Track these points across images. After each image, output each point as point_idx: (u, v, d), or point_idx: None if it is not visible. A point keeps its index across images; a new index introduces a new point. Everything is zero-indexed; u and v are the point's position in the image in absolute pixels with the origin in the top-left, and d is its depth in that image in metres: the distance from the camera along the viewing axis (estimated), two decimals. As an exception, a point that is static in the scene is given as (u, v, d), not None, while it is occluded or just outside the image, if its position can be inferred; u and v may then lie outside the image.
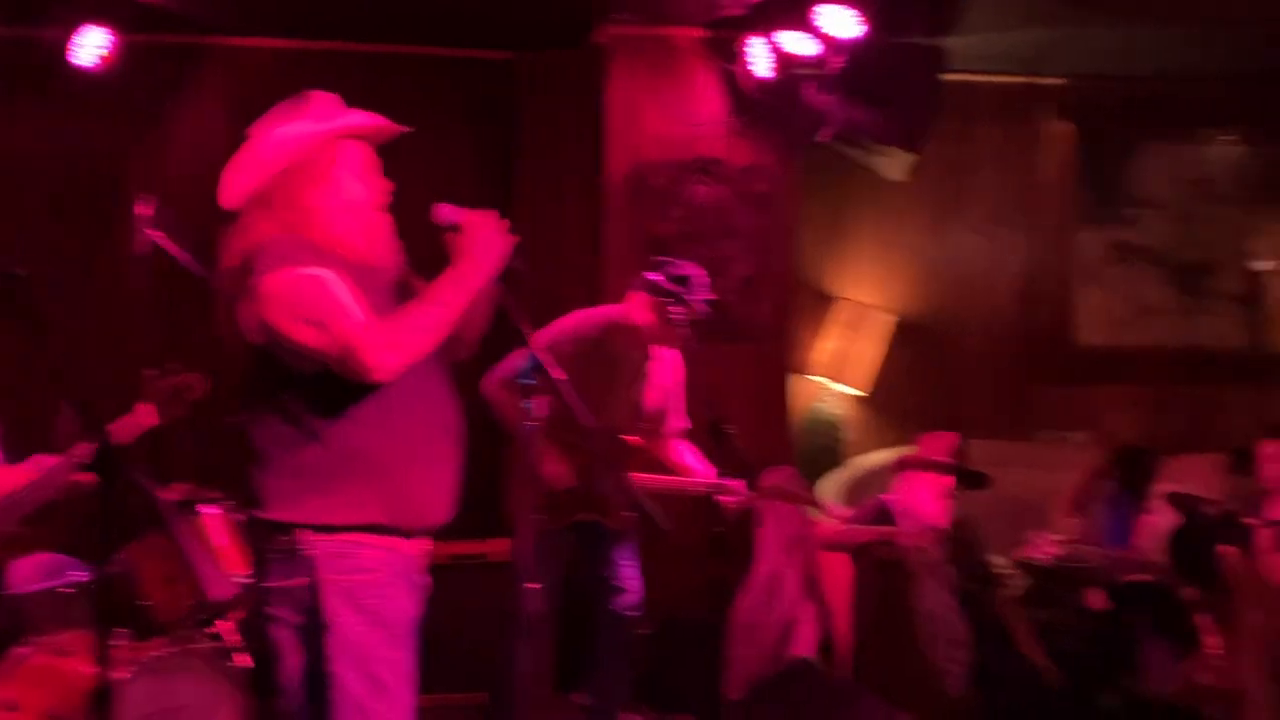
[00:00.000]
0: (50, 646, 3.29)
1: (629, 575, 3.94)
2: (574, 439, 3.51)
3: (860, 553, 4.14)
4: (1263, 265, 5.20)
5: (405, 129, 2.41)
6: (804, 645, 4.42)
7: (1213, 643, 3.70)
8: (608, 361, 3.78)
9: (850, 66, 4.29)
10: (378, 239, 2.36)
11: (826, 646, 4.45)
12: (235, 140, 5.38)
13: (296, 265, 2.20)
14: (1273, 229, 5.95)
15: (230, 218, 2.37)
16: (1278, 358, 5.44)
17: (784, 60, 4.47)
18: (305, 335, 2.17)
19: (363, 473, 2.24)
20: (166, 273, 4.45)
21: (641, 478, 3.78)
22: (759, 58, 4.53)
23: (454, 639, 3.79)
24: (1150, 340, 5.86)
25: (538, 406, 2.47)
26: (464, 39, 5.03)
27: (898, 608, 4.00)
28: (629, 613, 3.93)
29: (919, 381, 5.57)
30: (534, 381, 2.54)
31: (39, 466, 2.31)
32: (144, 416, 2.79)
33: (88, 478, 2.28)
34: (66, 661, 3.25)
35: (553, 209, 5.03)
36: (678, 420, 4.00)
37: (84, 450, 2.29)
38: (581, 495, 3.68)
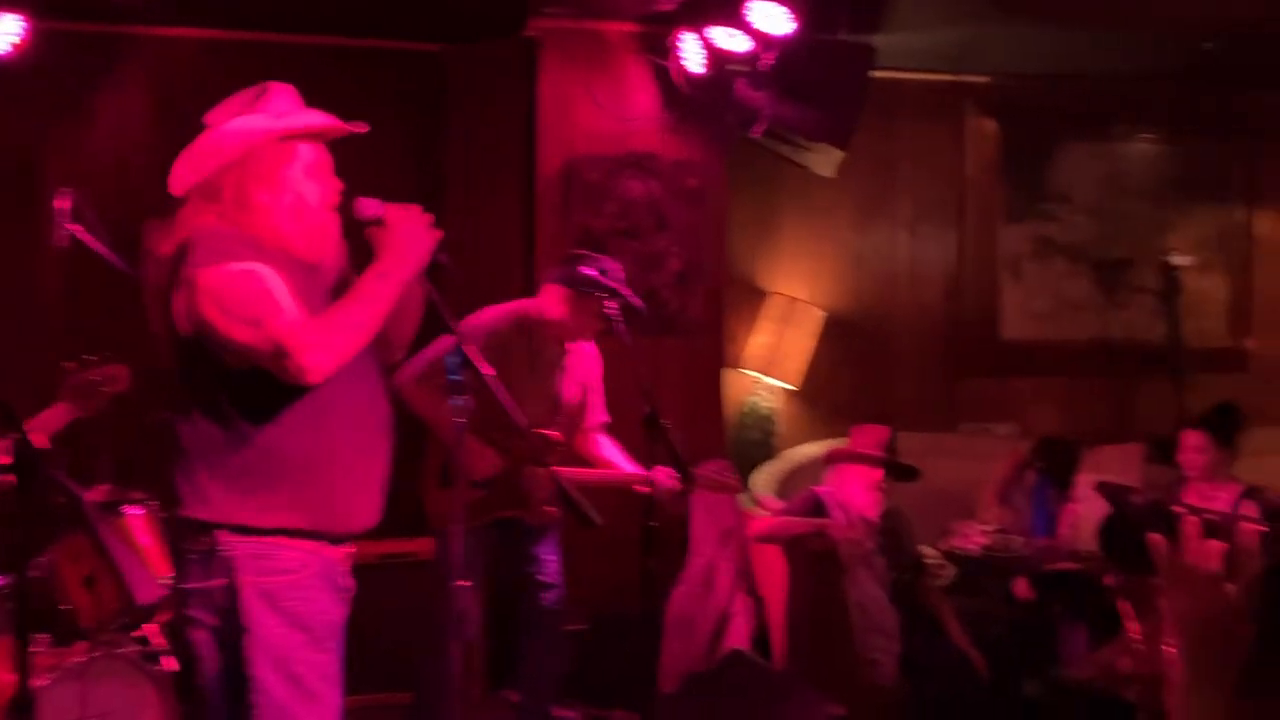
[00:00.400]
0: (-34, 653, 3.19)
1: (553, 571, 3.91)
2: (494, 435, 3.47)
3: (793, 545, 4.17)
4: (1179, 260, 5.35)
5: (360, 128, 2.37)
6: (737, 637, 4.46)
7: (1133, 628, 3.80)
8: (523, 356, 3.75)
9: (781, 63, 4.31)
10: (325, 238, 2.33)
11: (761, 638, 4.50)
12: (159, 132, 5.28)
13: (234, 260, 2.16)
14: (1188, 225, 6.13)
15: (168, 206, 2.33)
16: (1193, 350, 5.60)
17: (715, 56, 4.48)
18: (238, 332, 2.13)
19: (289, 476, 2.20)
20: (86, 266, 4.36)
21: (563, 472, 3.71)
22: (691, 53, 4.54)
23: (379, 638, 3.76)
24: (1072, 334, 6.00)
25: (466, 403, 2.45)
26: (393, 31, 4.97)
27: (829, 599, 4.04)
28: (554, 608, 3.90)
29: (849, 375, 5.64)
30: (460, 378, 2.52)
31: None
32: (62, 412, 2.71)
33: (4, 479, 2.21)
34: (-17, 668, 3.16)
35: (484, 203, 4.99)
36: (597, 414, 3.96)
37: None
38: (503, 491, 3.64)
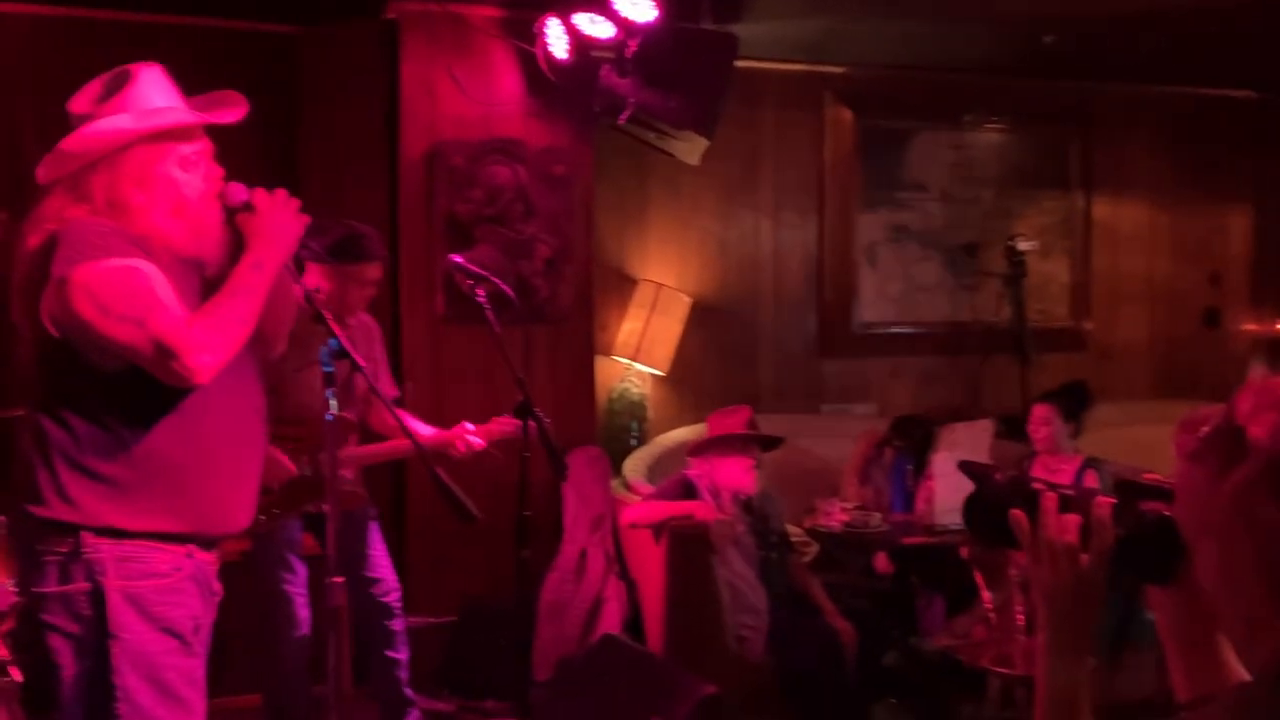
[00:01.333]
0: None
1: (380, 563, 3.84)
2: (284, 429, 3.33)
3: (663, 528, 4.23)
4: (1024, 245, 5.60)
5: (234, 119, 2.27)
6: (610, 622, 4.50)
7: (986, 598, 3.98)
8: (295, 341, 3.65)
9: (645, 50, 4.34)
10: (207, 231, 2.24)
11: (634, 622, 4.55)
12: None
13: (113, 255, 2.06)
14: (1032, 211, 6.42)
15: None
16: (1037, 331, 5.88)
17: (580, 42, 4.48)
18: (119, 331, 2.04)
19: (163, 479, 2.12)
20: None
21: (361, 450, 3.68)
22: (556, 39, 4.53)
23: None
24: (925, 316, 6.22)
25: (338, 395, 2.40)
26: (247, 10, 4.81)
27: (700, 580, 4.11)
28: (384, 601, 3.83)
29: (715, 360, 5.73)
30: (333, 369, 2.47)
31: None
32: None
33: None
34: None
35: (346, 189, 4.87)
36: (388, 387, 3.87)
37: None
38: (307, 483, 3.55)
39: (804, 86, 5.91)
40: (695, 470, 4.30)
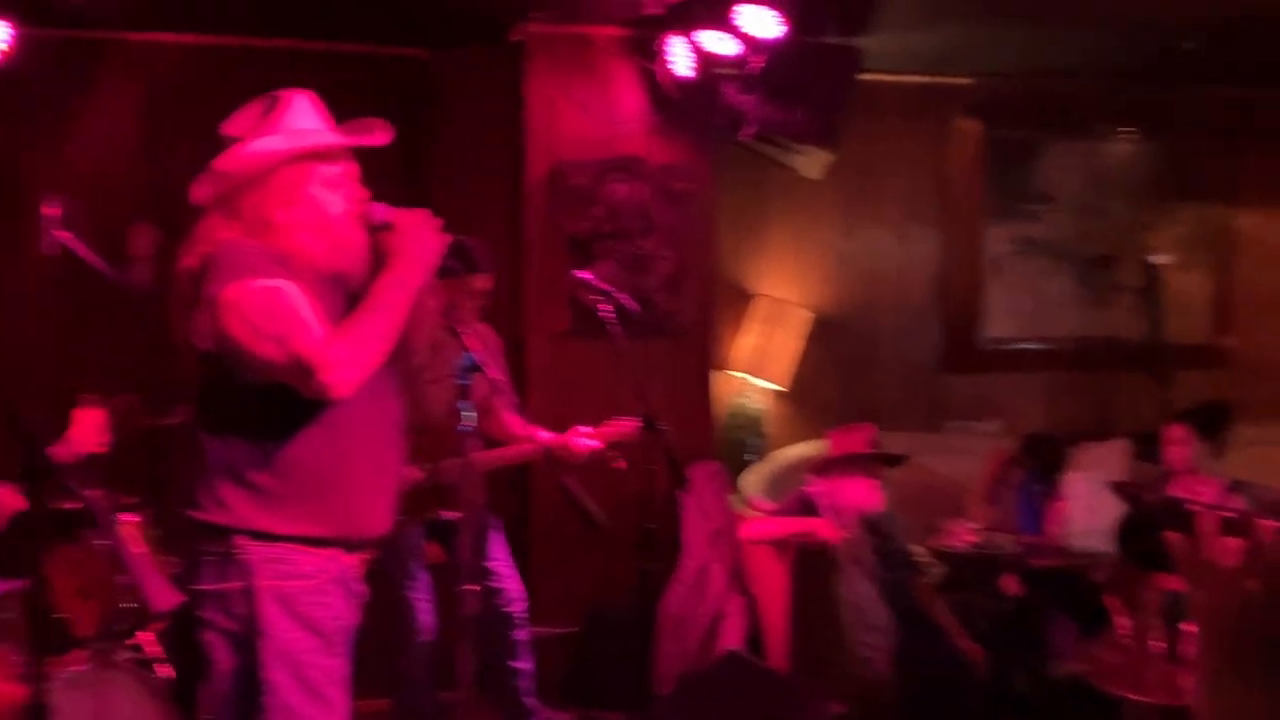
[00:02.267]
0: (-38, 664, 3.18)
1: (503, 573, 3.89)
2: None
3: (785, 545, 4.20)
4: (1160, 258, 5.41)
5: (379, 142, 2.36)
6: (732, 637, 4.48)
7: (1121, 623, 3.85)
8: (431, 353, 3.69)
9: (769, 66, 4.34)
10: (350, 250, 2.32)
11: (754, 639, 4.52)
12: (144, 137, 5.26)
13: (259, 275, 2.16)
14: (1169, 223, 6.20)
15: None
16: (1174, 347, 5.67)
17: (703, 59, 4.50)
18: (264, 348, 2.13)
19: (308, 486, 2.21)
20: (73, 273, 4.34)
21: (483, 456, 3.72)
22: (679, 57, 4.56)
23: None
24: (1054, 331, 6.06)
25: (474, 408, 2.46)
26: (380, 35, 4.97)
27: (822, 597, 4.07)
28: (509, 609, 3.88)
29: (835, 375, 5.67)
30: (469, 381, 2.53)
31: None
32: (78, 443, 2.69)
33: (17, 499, 2.22)
34: (-20, 678, 3.15)
35: (472, 208, 4.98)
36: (510, 396, 3.93)
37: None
38: (429, 491, 3.61)
39: (928, 98, 5.83)
40: (816, 488, 4.26)
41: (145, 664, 3.61)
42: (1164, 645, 3.53)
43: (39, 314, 4.76)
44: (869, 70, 4.73)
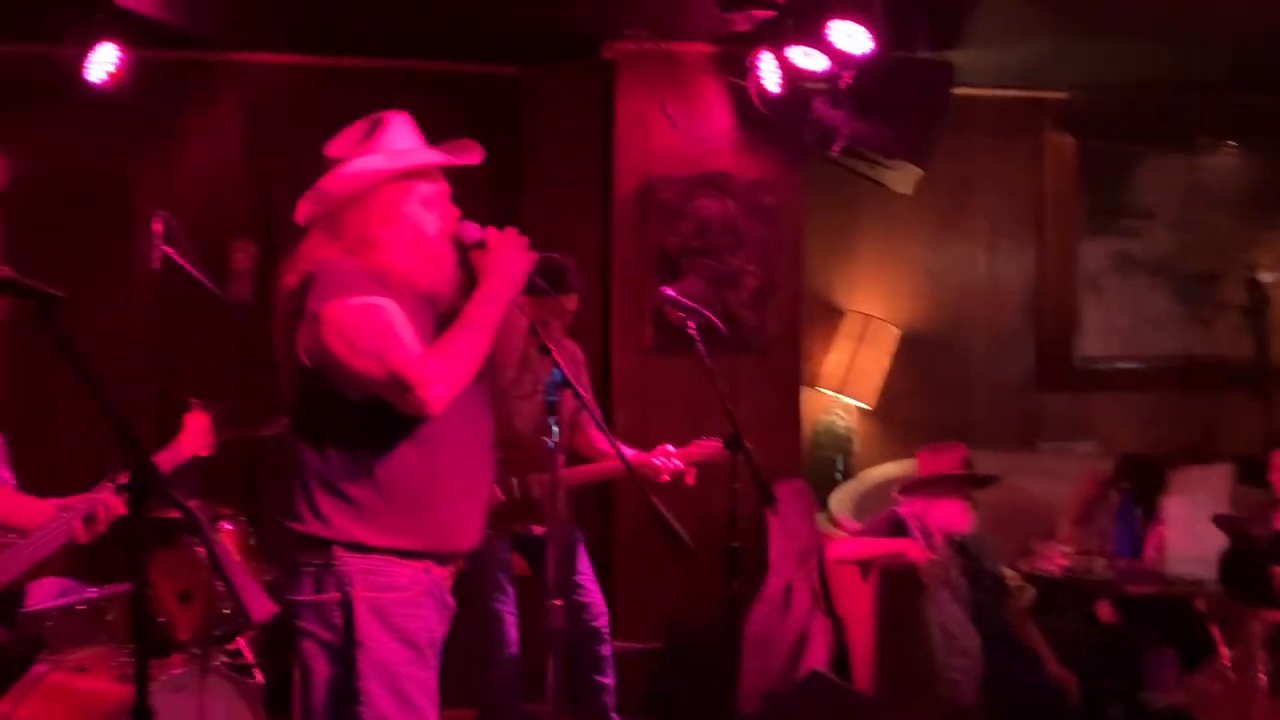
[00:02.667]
0: (68, 664, 3.29)
1: (589, 587, 3.91)
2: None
3: (871, 566, 4.15)
4: (1264, 275, 5.23)
5: (474, 162, 2.42)
6: (817, 658, 4.43)
7: (1225, 654, 3.72)
8: (521, 369, 3.72)
9: (859, 80, 4.31)
10: (442, 268, 2.38)
11: (840, 660, 4.47)
12: (246, 154, 5.41)
13: (358, 294, 2.21)
14: (1273, 238, 5.99)
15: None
16: (1280, 367, 5.48)
17: (793, 75, 4.49)
18: (362, 365, 2.18)
19: (403, 500, 2.25)
20: (179, 288, 4.49)
21: (569, 472, 3.76)
22: (768, 73, 4.55)
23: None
24: (1154, 350, 5.89)
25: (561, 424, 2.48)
26: (472, 54, 5.05)
27: (910, 619, 4.01)
28: (595, 624, 3.90)
29: (925, 393, 5.59)
30: (557, 398, 2.55)
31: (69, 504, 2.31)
32: (187, 447, 2.79)
33: (120, 505, 2.30)
34: (84, 679, 3.26)
35: (560, 224, 5.03)
36: (593, 409, 3.96)
37: (122, 478, 2.31)
38: (516, 505, 3.64)
39: (1021, 112, 5.73)
40: (906, 508, 4.19)
41: (240, 669, 3.71)
42: (1268, 678, 3.40)
43: (144, 325, 4.92)
44: (961, 84, 4.68)
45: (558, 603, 2.50)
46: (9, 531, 2.26)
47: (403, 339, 2.19)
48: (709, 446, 3.68)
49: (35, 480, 3.25)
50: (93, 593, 3.70)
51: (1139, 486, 4.72)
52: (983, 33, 4.74)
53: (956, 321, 5.68)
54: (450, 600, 2.39)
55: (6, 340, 1.97)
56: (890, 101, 4.32)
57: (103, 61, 4.28)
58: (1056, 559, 4.50)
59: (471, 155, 2.42)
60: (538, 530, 3.74)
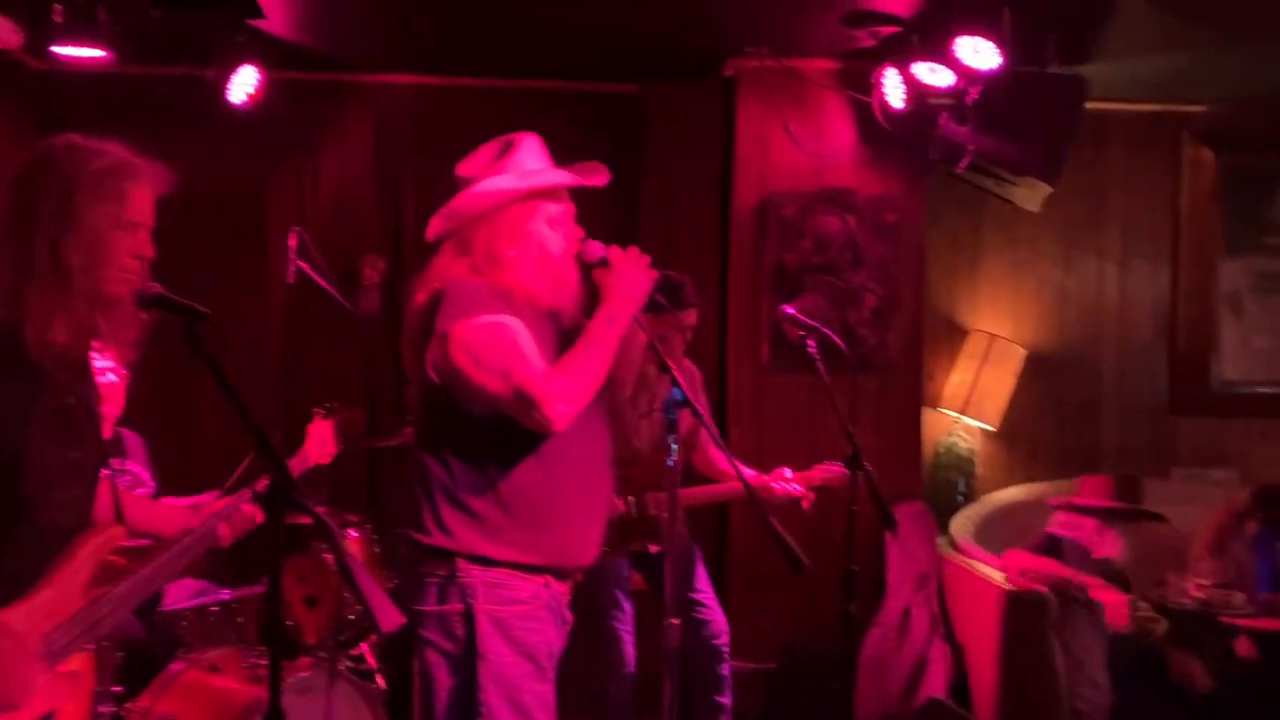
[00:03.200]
0: (201, 663, 3.42)
1: (710, 604, 3.90)
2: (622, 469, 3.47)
3: (1054, 587, 4.03)
4: None
5: (600, 183, 2.47)
6: (935, 684, 4.34)
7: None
8: (640, 387, 3.73)
9: (986, 96, 4.22)
10: (566, 286, 2.43)
11: (961, 687, 4.36)
12: (376, 172, 5.56)
13: (485, 312, 2.27)
14: None
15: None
16: None
17: (917, 91, 4.43)
18: (488, 382, 2.23)
19: (525, 514, 2.29)
20: (310, 301, 4.64)
21: (687, 492, 3.75)
22: (892, 89, 4.49)
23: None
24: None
25: (680, 442, 2.48)
26: (595, 73, 5.11)
27: (1037, 648, 3.90)
28: (716, 642, 3.88)
29: (1052, 416, 5.43)
30: (676, 416, 2.55)
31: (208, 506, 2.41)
32: (312, 454, 2.88)
33: (255, 511, 2.38)
34: (216, 678, 3.38)
35: (680, 240, 5.06)
36: (712, 428, 3.94)
37: (261, 485, 2.40)
38: (633, 522, 3.64)
39: (1157, 126, 5.53)
40: (1062, 528, 4.06)
41: (364, 674, 3.80)
42: None
43: (277, 336, 5.10)
44: (1094, 98, 4.54)
45: (675, 622, 2.48)
46: (143, 537, 2.36)
47: (527, 357, 2.23)
48: (829, 470, 3.65)
49: (174, 482, 3.39)
50: (225, 594, 3.85)
51: (1278, 517, 4.50)
52: (1116, 46, 4.60)
53: (1086, 341, 5.50)
54: (568, 615, 2.41)
55: (150, 347, 2.07)
56: (1018, 118, 4.22)
57: (243, 83, 4.46)
58: (1191, 590, 4.31)
59: (598, 177, 2.47)
60: (654, 549, 3.75)
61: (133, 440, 4.11)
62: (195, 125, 4.71)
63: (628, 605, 3.89)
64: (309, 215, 5.11)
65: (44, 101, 4.73)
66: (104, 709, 3.25)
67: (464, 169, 2.44)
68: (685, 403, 2.44)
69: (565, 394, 2.21)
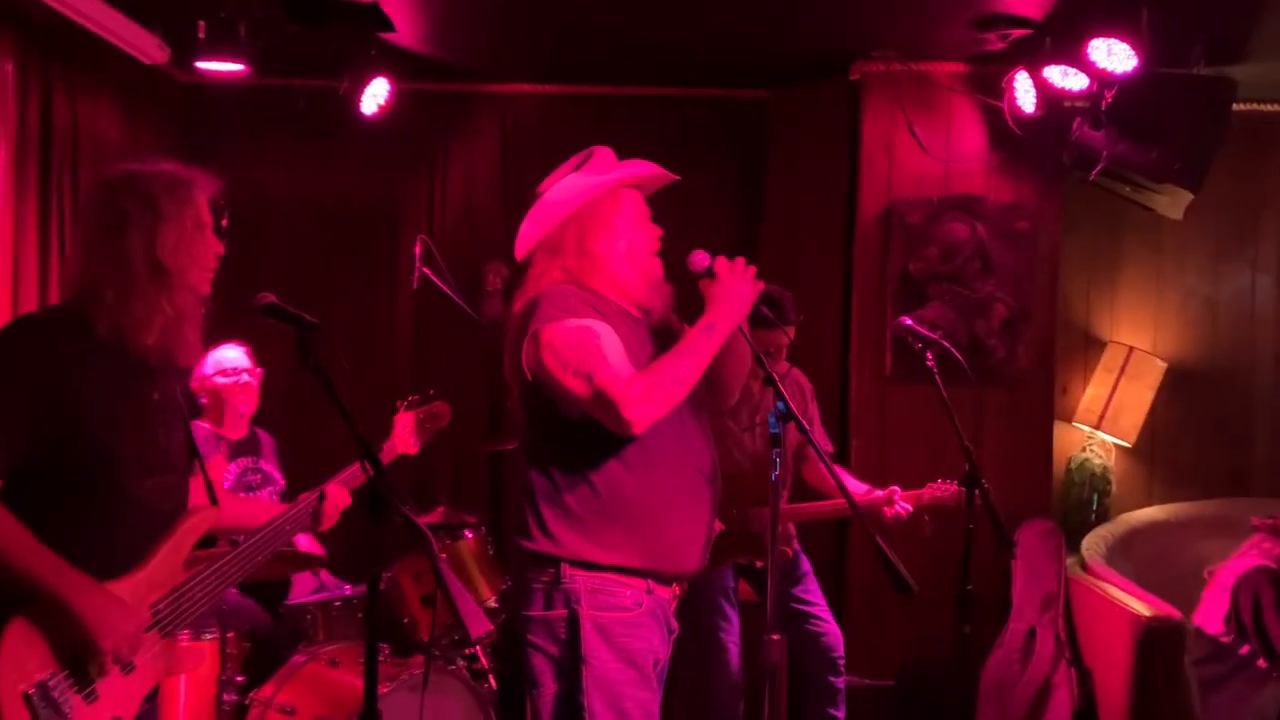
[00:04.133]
0: (322, 656, 3.53)
1: (825, 616, 3.86)
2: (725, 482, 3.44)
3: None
4: None
5: (675, 177, 2.53)
6: (1060, 710, 4.17)
7: None
8: (744, 400, 3.69)
9: (1123, 100, 4.04)
10: (652, 283, 2.47)
11: (1088, 713, 4.19)
12: (501, 179, 5.65)
13: (573, 316, 2.31)
14: None
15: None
16: None
17: (1050, 95, 4.27)
18: (571, 383, 2.27)
19: (625, 517, 2.31)
20: (432, 305, 4.75)
21: (795, 508, 3.75)
22: (1023, 92, 4.35)
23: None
24: None
25: (788, 455, 2.46)
26: (720, 78, 5.09)
27: (1170, 677, 3.71)
28: (832, 654, 3.84)
29: (1194, 433, 5.16)
30: (781, 430, 2.51)
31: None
32: (399, 445, 2.96)
33: (346, 497, 2.47)
34: (335, 671, 3.48)
35: (804, 244, 4.99)
36: (823, 443, 3.93)
37: (355, 477, 2.50)
38: (736, 536, 3.59)
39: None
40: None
41: (478, 674, 3.86)
42: None
43: (406, 342, 5.23)
44: (1244, 100, 4.31)
45: (775, 637, 2.45)
46: (235, 530, 2.50)
47: (609, 360, 2.26)
48: (940, 489, 3.58)
49: (303, 482, 3.51)
50: (347, 589, 3.97)
51: None
52: (1271, 45, 4.35)
53: (1235, 355, 5.21)
54: (674, 624, 2.41)
55: (283, 351, 2.16)
56: (1158, 122, 4.02)
57: (375, 94, 4.59)
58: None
59: (670, 173, 2.53)
60: (759, 564, 3.73)
61: (265, 439, 4.28)
62: (330, 136, 4.90)
63: (734, 615, 3.86)
64: (437, 222, 5.24)
65: (189, 112, 4.96)
66: (229, 697, 3.40)
67: (546, 184, 2.49)
68: (789, 415, 2.41)
69: (645, 398, 2.23)
